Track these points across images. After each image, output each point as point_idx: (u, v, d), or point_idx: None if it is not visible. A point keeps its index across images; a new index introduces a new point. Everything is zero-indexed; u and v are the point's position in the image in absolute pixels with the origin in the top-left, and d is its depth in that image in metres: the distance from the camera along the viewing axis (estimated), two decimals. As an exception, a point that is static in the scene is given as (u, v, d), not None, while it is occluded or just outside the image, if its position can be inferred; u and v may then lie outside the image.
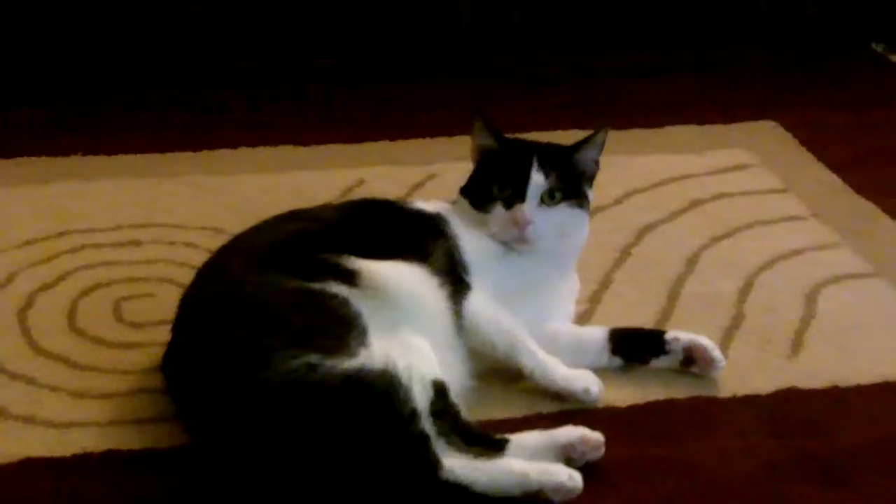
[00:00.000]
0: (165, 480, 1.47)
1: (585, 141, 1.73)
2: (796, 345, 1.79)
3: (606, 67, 2.97)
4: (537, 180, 1.66)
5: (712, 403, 1.65)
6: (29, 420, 1.58)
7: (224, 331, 1.45)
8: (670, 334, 1.70)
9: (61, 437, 1.54)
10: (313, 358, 1.39)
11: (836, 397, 1.68)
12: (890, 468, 1.54)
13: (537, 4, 3.10)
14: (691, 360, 1.67)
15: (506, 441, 1.45)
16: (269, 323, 1.43)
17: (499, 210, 1.67)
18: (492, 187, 1.68)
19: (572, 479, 1.41)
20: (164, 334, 1.75)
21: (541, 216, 1.66)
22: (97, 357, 1.71)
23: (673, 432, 1.59)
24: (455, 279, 1.62)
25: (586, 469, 1.48)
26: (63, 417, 1.58)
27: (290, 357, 1.39)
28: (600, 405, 1.62)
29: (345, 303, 1.47)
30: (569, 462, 1.46)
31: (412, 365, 1.43)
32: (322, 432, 1.37)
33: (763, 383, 1.69)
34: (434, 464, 1.38)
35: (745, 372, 1.72)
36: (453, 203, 1.76)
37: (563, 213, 1.69)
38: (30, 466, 1.50)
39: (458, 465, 1.39)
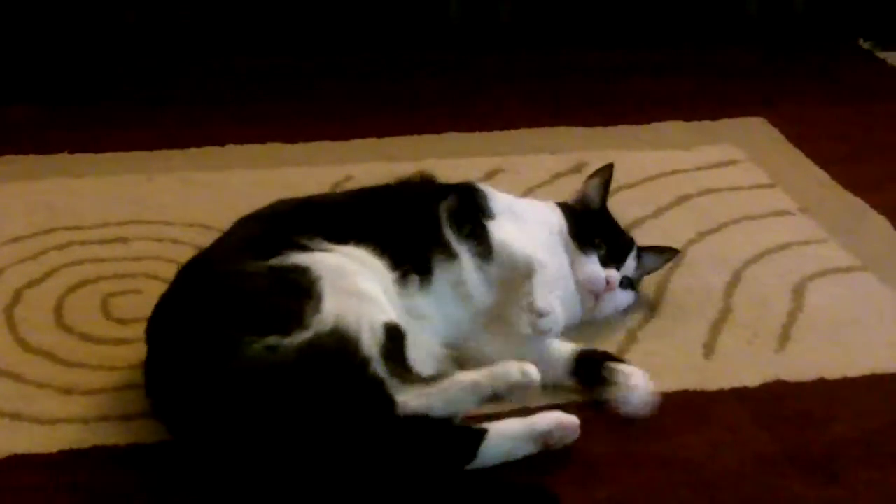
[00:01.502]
0: (153, 476, 1.47)
1: (656, 249, 1.88)
2: (784, 338, 1.79)
3: (595, 64, 2.98)
4: (630, 265, 1.81)
5: (701, 397, 1.65)
6: (16, 416, 1.57)
7: (192, 326, 1.47)
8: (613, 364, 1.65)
9: (48, 434, 1.54)
10: (272, 340, 1.40)
11: (824, 390, 1.68)
12: (878, 460, 1.54)
13: (526, 2, 3.10)
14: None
15: (485, 431, 1.45)
16: (231, 312, 1.45)
17: (595, 260, 1.76)
18: (594, 237, 1.78)
19: (525, 374, 1.42)
20: (151, 330, 1.75)
21: (616, 291, 1.77)
22: (84, 353, 1.71)
23: (662, 425, 1.59)
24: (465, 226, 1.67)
25: (577, 462, 1.49)
26: (50, 414, 1.57)
27: (252, 343, 1.40)
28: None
29: (304, 272, 1.48)
30: (547, 447, 1.47)
31: (361, 313, 1.44)
32: (288, 408, 1.37)
33: (751, 376, 1.69)
34: (390, 403, 1.39)
35: (733, 365, 1.72)
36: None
37: (627, 298, 1.81)
38: (17, 463, 1.49)
39: (410, 396, 1.40)
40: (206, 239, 1.99)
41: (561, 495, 1.45)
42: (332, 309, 1.44)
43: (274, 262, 1.51)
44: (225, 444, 1.41)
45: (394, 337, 1.45)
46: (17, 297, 1.85)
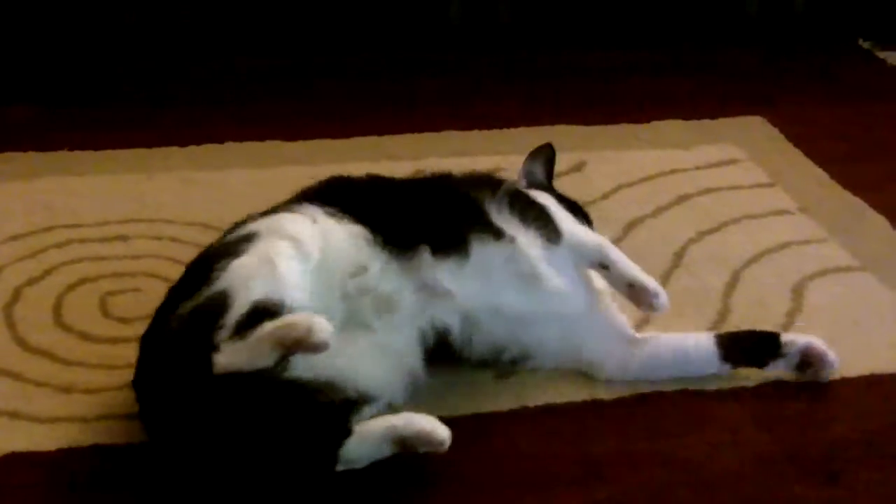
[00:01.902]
0: (152, 475, 1.46)
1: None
2: (784, 339, 1.79)
3: (595, 64, 2.98)
4: None
5: (700, 397, 1.65)
6: (14, 415, 1.57)
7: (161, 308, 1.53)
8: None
9: (47, 432, 1.54)
10: (185, 306, 1.43)
11: (823, 390, 1.68)
12: (878, 461, 1.55)
13: (526, 2, 3.10)
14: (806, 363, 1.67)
15: (347, 434, 1.39)
16: (177, 290, 1.51)
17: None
18: (578, 214, 1.79)
19: (311, 330, 1.34)
20: (150, 329, 1.75)
21: None
22: (83, 352, 1.71)
23: (662, 426, 1.60)
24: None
25: (577, 462, 1.49)
26: (49, 412, 1.57)
27: (175, 314, 1.44)
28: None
29: (250, 236, 1.50)
30: (409, 451, 1.41)
31: (249, 285, 1.42)
32: (169, 369, 1.40)
33: (751, 377, 1.69)
34: (209, 365, 1.36)
35: (732, 365, 1.72)
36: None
37: None
38: (15, 461, 1.49)
39: (223, 354, 1.36)
40: (206, 237, 1.99)
41: (561, 495, 1.45)
42: (236, 269, 1.44)
43: (237, 232, 1.54)
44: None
45: (255, 317, 1.39)
46: (16, 295, 1.85)
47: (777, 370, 1.67)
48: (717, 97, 2.77)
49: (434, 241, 1.56)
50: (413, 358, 1.55)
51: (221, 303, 1.40)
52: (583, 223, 1.79)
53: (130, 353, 1.68)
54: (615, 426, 1.58)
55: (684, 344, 1.68)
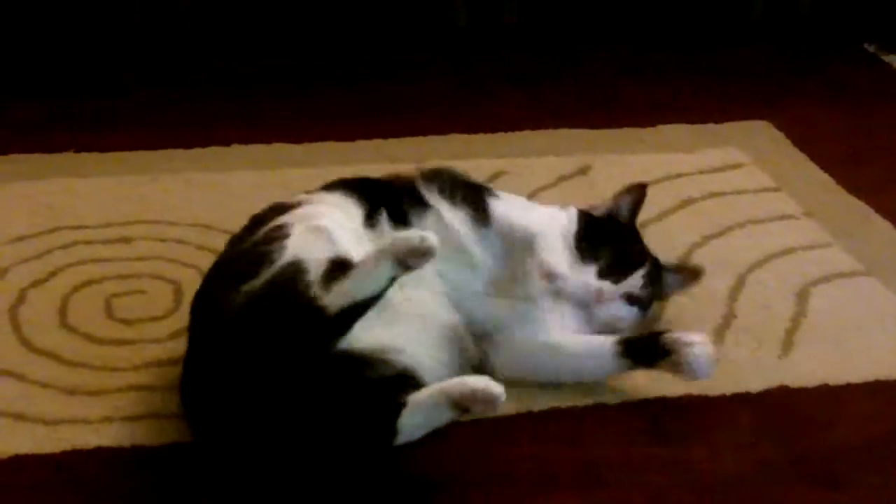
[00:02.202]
0: (156, 477, 1.47)
1: (678, 268, 1.85)
2: (788, 343, 1.79)
3: (600, 67, 2.98)
4: (634, 282, 1.73)
5: (704, 402, 1.65)
6: (19, 417, 1.57)
7: (203, 297, 1.57)
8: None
9: (51, 434, 1.54)
10: (246, 287, 1.47)
11: (827, 396, 1.68)
12: (881, 466, 1.54)
13: (530, 4, 3.11)
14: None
15: (402, 405, 1.41)
16: (224, 276, 1.55)
17: (591, 270, 1.71)
18: (599, 248, 1.74)
19: (423, 239, 1.43)
20: (155, 331, 1.75)
21: (613, 304, 1.71)
22: (88, 354, 1.71)
23: (664, 430, 1.59)
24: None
25: (577, 464, 1.49)
26: (53, 414, 1.58)
27: (234, 295, 1.47)
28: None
29: (283, 226, 1.57)
30: (466, 411, 1.40)
31: (317, 245, 1.50)
32: (255, 338, 1.43)
33: (755, 382, 1.69)
34: (319, 311, 1.42)
35: (736, 370, 1.71)
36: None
37: (628, 314, 1.73)
38: (20, 463, 1.49)
39: (332, 295, 1.42)
40: (210, 239, 2.01)
41: (561, 498, 1.45)
42: (295, 244, 1.51)
43: (269, 224, 1.60)
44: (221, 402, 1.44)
45: (337, 266, 1.47)
46: (21, 297, 1.85)
47: (666, 369, 1.61)
48: (721, 101, 2.77)
49: (388, 210, 1.68)
50: (456, 330, 1.61)
51: (296, 269, 1.46)
52: (639, 273, 1.74)
53: (135, 354, 1.70)
54: (616, 430, 1.58)
55: (585, 339, 1.67)
